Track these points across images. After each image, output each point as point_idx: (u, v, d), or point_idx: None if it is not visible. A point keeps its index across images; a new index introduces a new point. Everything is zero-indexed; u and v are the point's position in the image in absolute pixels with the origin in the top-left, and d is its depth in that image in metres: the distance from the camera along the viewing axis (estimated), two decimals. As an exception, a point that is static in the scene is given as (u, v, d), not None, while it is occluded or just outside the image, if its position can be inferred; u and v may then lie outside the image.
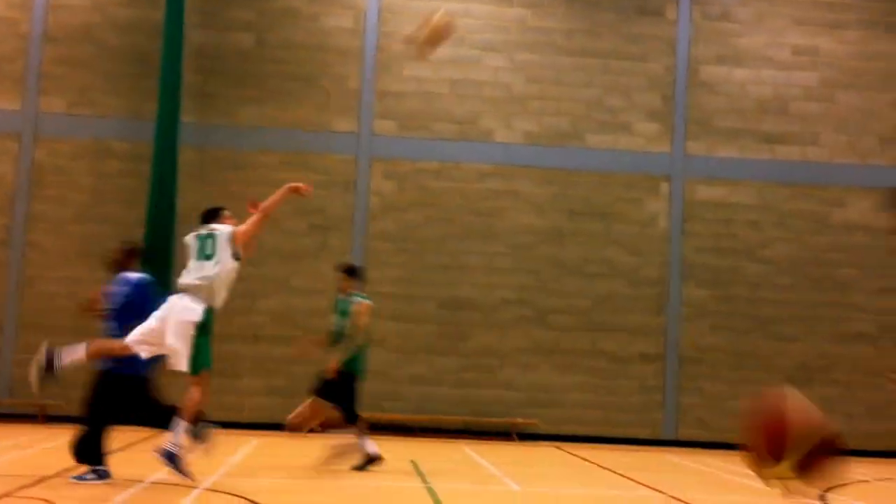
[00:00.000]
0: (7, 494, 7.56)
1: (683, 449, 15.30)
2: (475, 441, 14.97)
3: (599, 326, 15.97)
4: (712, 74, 16.54)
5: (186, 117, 15.42)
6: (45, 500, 7.34)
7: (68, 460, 8.85)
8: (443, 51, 16.08)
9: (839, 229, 16.40)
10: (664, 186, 16.31)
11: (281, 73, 16.00)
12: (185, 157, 15.40)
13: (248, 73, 15.95)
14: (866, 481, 11.72)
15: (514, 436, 15.49)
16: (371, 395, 15.40)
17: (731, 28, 16.63)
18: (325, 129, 15.97)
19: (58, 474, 8.89)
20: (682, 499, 9.28)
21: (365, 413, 15.56)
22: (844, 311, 16.31)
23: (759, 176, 16.44)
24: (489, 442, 15.04)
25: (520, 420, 15.55)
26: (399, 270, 15.81)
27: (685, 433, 15.83)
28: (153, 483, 8.56)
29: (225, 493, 8.02)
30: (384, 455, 10.40)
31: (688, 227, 16.27)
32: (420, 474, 10.34)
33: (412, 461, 11.61)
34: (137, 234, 15.04)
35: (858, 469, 13.29)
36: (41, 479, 8.48)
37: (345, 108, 16.03)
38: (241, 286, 15.12)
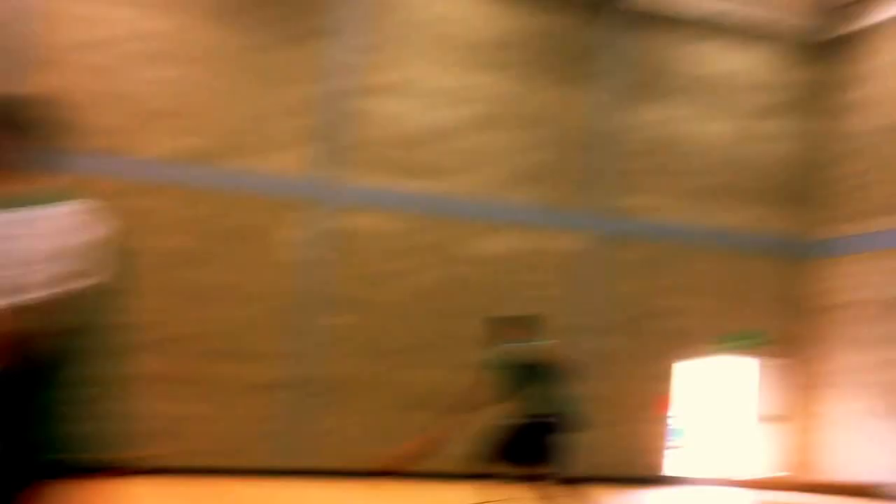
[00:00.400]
0: None
1: (302, 477, 15.38)
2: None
3: (231, 354, 15.71)
4: (363, 104, 16.61)
5: None
6: None
7: None
8: (86, 57, 14.92)
9: (470, 262, 17.26)
10: (305, 213, 16.26)
11: None
12: None
13: None
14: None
15: (138, 470, 14.87)
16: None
17: (378, 60, 16.72)
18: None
19: None
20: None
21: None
22: (468, 341, 17.26)
23: (394, 206, 16.82)
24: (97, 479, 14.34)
25: (143, 453, 14.93)
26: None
27: (321, 461, 15.89)
28: None
29: None
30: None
31: (327, 254, 16.38)
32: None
33: None
34: None
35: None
36: None
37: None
38: None
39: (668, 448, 18.74)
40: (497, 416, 8.22)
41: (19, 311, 3.27)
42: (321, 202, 16.32)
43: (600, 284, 18.28)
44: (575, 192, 18.10)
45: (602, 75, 18.29)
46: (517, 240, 17.65)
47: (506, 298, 17.31)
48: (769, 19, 19.56)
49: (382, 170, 16.73)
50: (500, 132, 17.54)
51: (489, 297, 17.26)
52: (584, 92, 18.15)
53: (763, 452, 19.86)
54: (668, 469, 18.63)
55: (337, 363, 16.29)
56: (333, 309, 16.32)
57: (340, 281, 16.38)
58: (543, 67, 17.84)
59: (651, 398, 18.54)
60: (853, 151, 19.65)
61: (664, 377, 18.73)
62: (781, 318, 19.82)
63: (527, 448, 8.08)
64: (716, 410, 19.89)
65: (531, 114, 17.76)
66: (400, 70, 16.86)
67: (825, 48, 20.08)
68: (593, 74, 18.23)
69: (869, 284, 19.11)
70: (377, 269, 16.65)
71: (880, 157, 19.10)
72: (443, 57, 17.13)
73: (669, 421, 18.79)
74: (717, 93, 19.29)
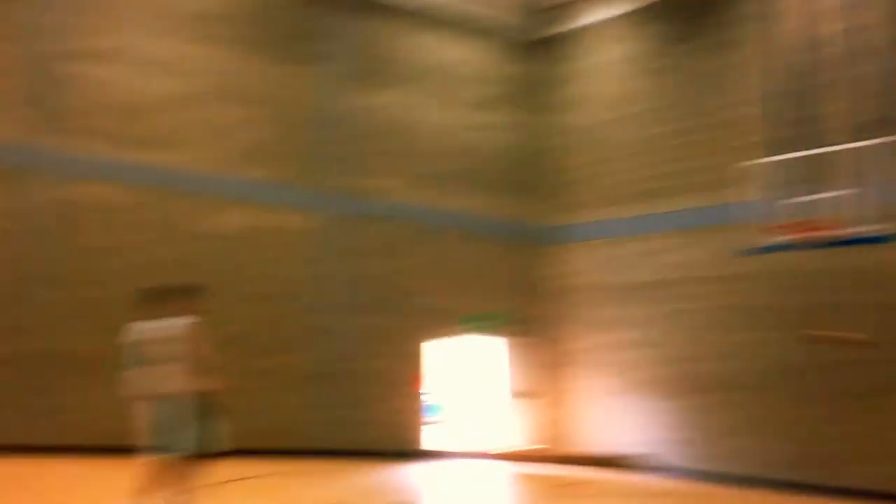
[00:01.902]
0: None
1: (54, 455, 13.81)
2: None
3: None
4: (72, 69, 15.65)
5: None
6: None
7: None
8: None
9: (200, 238, 16.52)
10: (18, 181, 15.09)
11: None
12: None
13: None
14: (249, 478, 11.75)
15: None
16: None
17: (87, 23, 15.87)
18: None
19: None
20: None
21: None
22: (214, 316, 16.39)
23: (118, 177, 15.85)
24: None
25: None
26: None
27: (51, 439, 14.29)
28: None
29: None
30: None
31: (44, 225, 15.21)
32: None
33: None
34: None
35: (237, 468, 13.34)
36: None
37: None
38: None
39: (425, 423, 18.59)
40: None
41: None
42: (38, 170, 15.20)
43: (338, 263, 18.07)
44: (305, 172, 17.97)
45: (326, 58, 18.45)
46: (249, 217, 17.21)
47: (237, 276, 16.73)
48: (485, 15, 20.60)
49: (103, 139, 15.84)
50: (226, 107, 17.15)
51: (220, 275, 16.55)
52: (309, 73, 18.20)
53: (517, 426, 20.09)
54: (426, 443, 18.43)
55: (68, 338, 14.93)
56: (53, 283, 15.05)
57: (60, 254, 15.18)
58: (268, 44, 17.77)
59: (405, 376, 18.34)
60: (574, 145, 20.83)
61: (416, 355, 18.61)
62: (521, 299, 20.37)
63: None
64: (470, 387, 20.07)
65: (257, 90, 17.55)
66: (112, 36, 16.12)
67: (539, 46, 21.35)
68: (318, 56, 18.36)
69: (599, 269, 20.05)
70: (100, 243, 15.57)
71: (600, 150, 20.32)
72: (160, 25, 16.65)
73: (424, 397, 18.67)
74: (441, 82, 19.95)
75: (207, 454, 7.56)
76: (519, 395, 20.22)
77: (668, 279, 18.76)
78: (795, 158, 15.31)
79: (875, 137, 14.38)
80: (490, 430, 19.96)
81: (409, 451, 18.00)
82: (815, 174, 14.93)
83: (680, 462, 18.01)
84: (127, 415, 8.18)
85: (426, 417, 18.80)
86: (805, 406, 16.41)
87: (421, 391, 18.64)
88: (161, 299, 8.04)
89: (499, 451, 19.10)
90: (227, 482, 11.26)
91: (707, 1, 18.69)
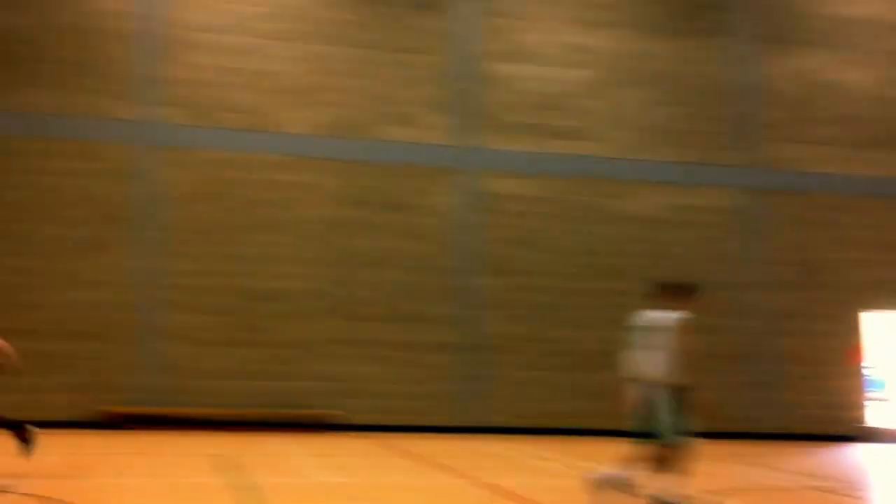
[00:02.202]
0: None
1: (491, 435, 15.52)
2: (282, 433, 14.80)
3: (399, 317, 16.08)
4: (496, 70, 17.00)
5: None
6: None
7: None
8: (229, 39, 15.95)
9: (616, 220, 17.19)
10: (453, 178, 16.63)
11: (53, 58, 15.22)
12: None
13: (21, 57, 15.09)
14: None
15: (322, 427, 15.43)
16: (173, 390, 15.10)
17: (511, 24, 17.20)
18: (105, 115, 15.31)
19: None
20: (485, 482, 9.55)
21: (165, 409, 15.18)
22: (624, 299, 17.10)
23: (543, 169, 17.01)
24: (296, 434, 14.90)
25: (326, 411, 15.50)
26: (196, 262, 15.39)
27: (490, 419, 16.06)
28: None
29: (39, 495, 7.66)
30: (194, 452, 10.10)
31: (478, 218, 16.65)
32: (224, 469, 10.16)
33: (216, 456, 11.40)
34: None
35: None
36: None
37: (127, 95, 15.43)
38: (26, 280, 14.54)
39: (867, 400, 17.72)
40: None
41: None
42: (465, 168, 16.69)
43: (758, 240, 17.81)
44: (719, 148, 17.84)
45: (729, 27, 18.09)
46: (663, 198, 17.49)
47: (655, 258, 17.15)
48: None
49: (521, 133, 16.97)
50: (632, 89, 17.56)
51: (641, 257, 17.12)
52: (711, 45, 17.99)
53: None
54: (870, 422, 17.59)
55: (495, 324, 16.39)
56: (487, 271, 16.51)
57: (490, 244, 16.58)
58: (666, 22, 17.89)
59: (840, 352, 17.72)
60: None
61: (851, 330, 17.89)
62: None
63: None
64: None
65: (661, 70, 17.75)
66: (525, 33, 17.20)
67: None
68: (720, 26, 18.07)
69: None
70: (525, 231, 16.77)
71: None
72: (567, 18, 17.40)
73: (866, 373, 17.82)
74: (857, 38, 18.69)
75: (676, 441, 7.92)
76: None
77: None
78: None
79: None
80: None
81: (848, 433, 17.38)
82: None
83: None
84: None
85: (868, 394, 17.92)
86: None
87: (861, 367, 17.81)
88: (668, 292, 8.58)
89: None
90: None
91: None
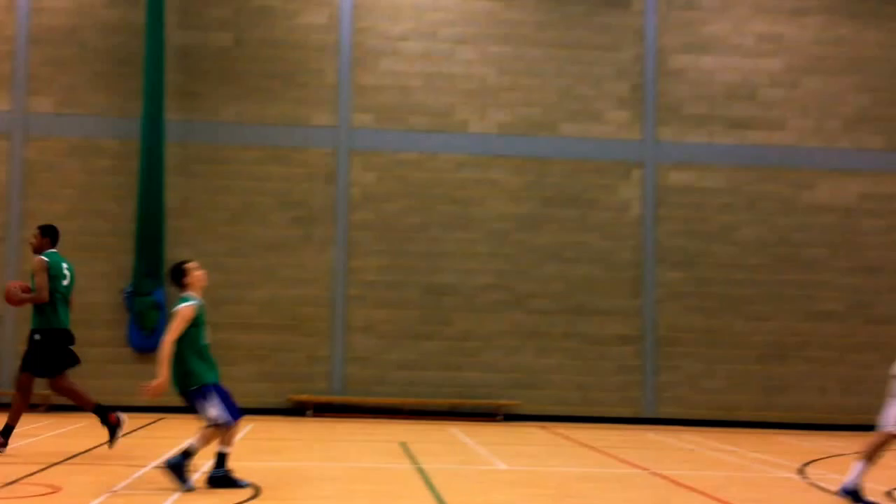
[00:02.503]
0: (15, 481, 7.96)
1: (663, 426, 15.82)
2: (461, 422, 15.46)
3: (576, 309, 16.45)
4: (679, 62, 17.03)
5: (171, 115, 15.85)
6: (52, 486, 7.76)
7: (74, 447, 9.20)
8: (415, 45, 16.68)
9: (806, 211, 16.95)
10: (636, 172, 16.80)
11: (260, 71, 16.40)
12: (171, 153, 15.84)
13: (228, 70, 16.33)
14: (841, 455, 12.27)
15: (500, 416, 15.99)
16: (360, 381, 16.03)
17: (697, 16, 17.12)
18: (304, 123, 16.39)
19: (64, 461, 9.30)
20: (664, 475, 9.78)
21: (354, 398, 16.18)
22: (813, 290, 16.87)
23: (727, 160, 16.95)
24: (474, 423, 15.52)
25: (504, 401, 16.05)
26: (382, 259, 16.28)
27: (664, 411, 16.31)
28: (155, 467, 8.98)
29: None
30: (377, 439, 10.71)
31: (660, 211, 16.76)
32: (409, 455, 10.79)
33: (401, 443, 12.07)
34: (129, 228, 15.56)
35: (833, 442, 13.91)
36: (48, 466, 8.89)
37: (323, 102, 16.44)
38: (230, 277, 15.77)
39: None
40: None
41: None
42: (648, 162, 16.79)
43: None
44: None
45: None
46: (852, 186, 17.02)
47: (843, 248, 16.79)
48: None
49: (706, 125, 16.94)
50: (824, 77, 17.14)
51: (830, 247, 16.79)
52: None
53: None
54: None
55: (674, 317, 16.49)
56: (667, 264, 16.61)
57: (671, 237, 16.67)
58: (866, 5, 17.28)
59: None
60: None
61: None
62: None
63: None
64: None
65: (857, 56, 17.18)
66: (713, 24, 17.10)
67: None
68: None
69: None
70: (708, 224, 16.76)
71: None
72: (758, 5, 17.15)
73: None
74: None
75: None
76: None
77: None
78: None
79: None
80: None
81: None
82: None
83: None
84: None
85: None
86: None
87: None
88: None
89: None
90: (832, 456, 11.84)
91: None
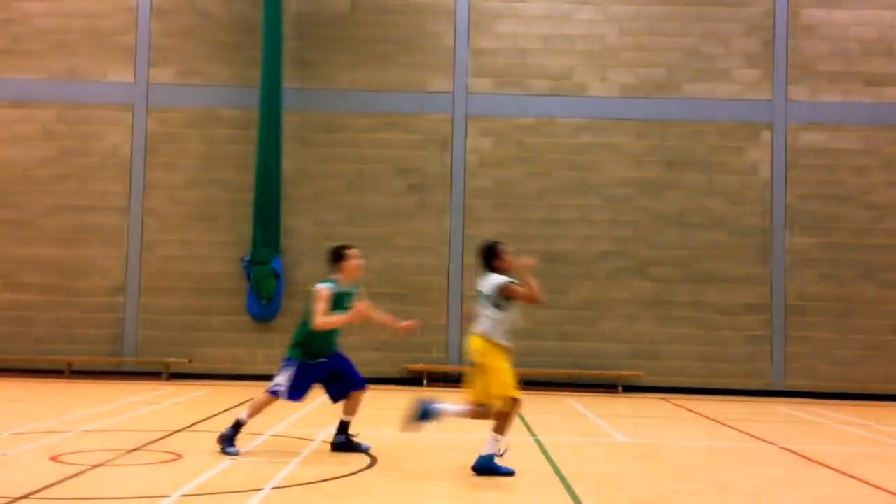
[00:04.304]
0: (138, 448, 8.11)
1: (791, 399, 15.20)
2: (580, 393, 15.17)
3: (701, 277, 15.91)
4: (812, 17, 16.18)
5: (288, 83, 15.89)
6: (174, 453, 7.87)
7: (194, 416, 9.33)
8: (534, 6, 16.28)
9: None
10: (765, 134, 16.08)
11: (376, 37, 16.29)
12: (288, 121, 15.91)
13: (344, 37, 16.27)
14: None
15: (619, 388, 15.62)
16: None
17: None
18: (420, 89, 16.22)
19: (185, 428, 9.44)
20: (792, 449, 9.35)
21: (465, 367, 16.02)
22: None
23: (863, 120, 16.06)
24: (594, 394, 15.20)
25: (624, 372, 15.66)
26: (498, 226, 16.00)
27: (792, 383, 15.66)
28: (274, 435, 9.03)
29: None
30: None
31: (790, 174, 16.02)
32: (527, 427, 10.60)
33: (518, 415, 11.87)
34: (248, 197, 15.72)
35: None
36: (170, 434, 9.03)
37: (440, 67, 16.24)
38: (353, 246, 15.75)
39: None
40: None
41: None
42: (776, 122, 16.05)
43: None
44: None
45: None
46: None
47: None
48: None
49: (840, 82, 16.06)
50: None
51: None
52: None
53: None
54: None
55: (803, 284, 15.78)
56: (797, 229, 15.87)
57: (802, 201, 15.92)
58: None
59: None
60: None
61: None
62: None
63: None
64: None
65: None
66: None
67: None
68: None
69: None
70: (841, 186, 15.93)
71: None
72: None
73: None
74: None
75: None
76: None
77: None
78: None
79: None
80: None
81: None
82: None
83: None
84: None
85: None
86: None
87: None
88: None
89: None
90: None
91: None
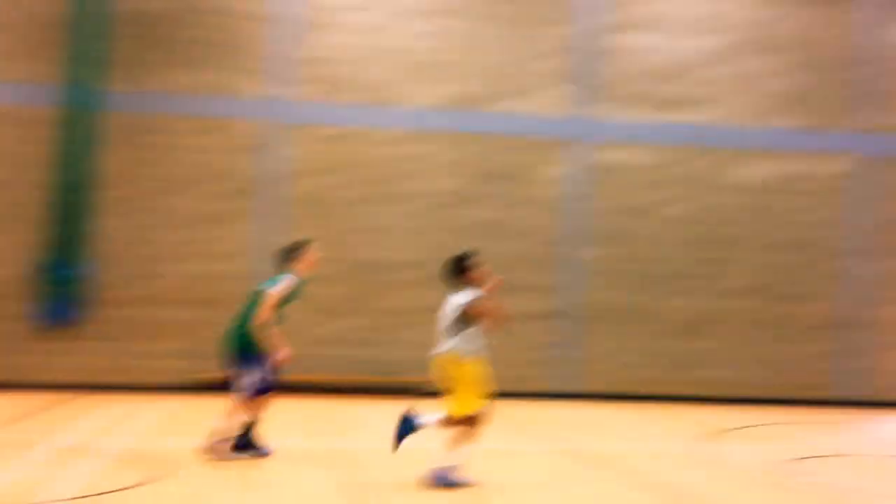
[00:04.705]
0: None
1: (584, 401, 16.24)
2: (375, 399, 15.62)
3: (508, 287, 16.52)
4: (616, 41, 17.19)
5: (101, 83, 15.71)
6: None
7: None
8: (355, 17, 16.67)
9: (731, 189, 17.30)
10: (568, 149, 17.01)
11: (197, 39, 16.25)
12: (99, 122, 15.74)
13: (161, 39, 16.18)
14: (755, 426, 12.74)
15: (415, 393, 16.17)
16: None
17: (628, -3, 17.27)
18: (239, 94, 16.33)
19: None
20: (566, 449, 10.07)
21: (284, 375, 16.24)
22: (735, 267, 17.32)
23: (659, 139, 17.22)
24: (391, 399, 15.71)
25: (420, 377, 16.12)
26: (312, 234, 16.28)
27: (587, 386, 16.75)
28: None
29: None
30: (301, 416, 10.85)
31: (591, 189, 17.03)
32: (319, 433, 10.94)
33: (329, 420, 12.21)
34: (48, 199, 15.41)
35: (747, 415, 14.43)
36: None
37: (259, 73, 16.38)
38: (157, 250, 15.79)
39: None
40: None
41: None
42: (579, 139, 17.05)
43: (863, 207, 17.60)
44: (836, 114, 17.59)
45: (861, -9, 17.73)
46: (777, 166, 17.45)
47: (762, 225, 17.24)
48: None
49: (637, 104, 17.20)
50: (756, 57, 17.46)
51: (745, 225, 17.21)
52: (841, 11, 17.66)
53: None
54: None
55: (600, 293, 16.84)
56: (594, 242, 16.93)
57: (600, 214, 16.98)
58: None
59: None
60: None
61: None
62: None
63: None
64: None
65: (785, 37, 17.52)
66: (653, 3, 17.30)
67: None
68: (851, -9, 17.72)
69: None
70: (635, 201, 17.07)
71: None
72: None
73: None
74: None
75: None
76: None
77: None
78: None
79: None
80: None
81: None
82: None
83: None
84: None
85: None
86: None
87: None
88: None
89: None
90: (731, 429, 12.29)
91: None
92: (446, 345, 8.00)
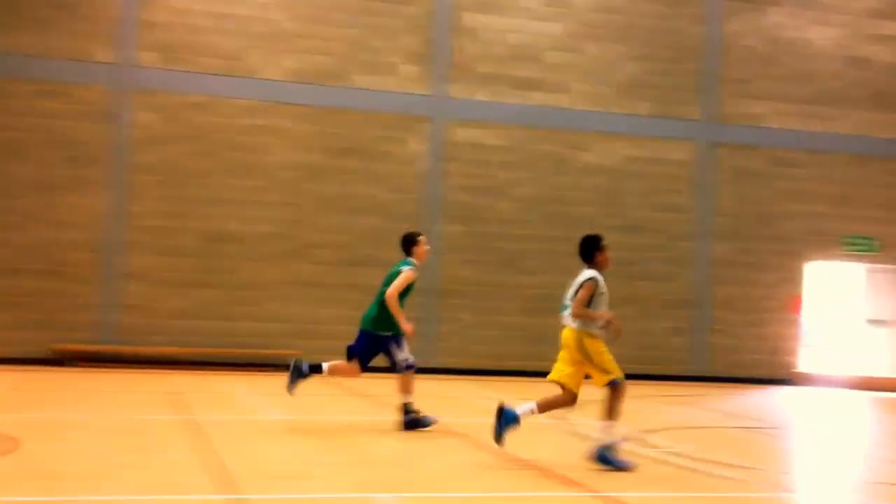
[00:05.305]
0: None
1: (442, 376, 16.33)
2: (237, 372, 15.35)
3: (359, 261, 16.59)
4: (473, 21, 17.34)
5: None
6: None
7: None
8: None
9: (579, 171, 17.76)
10: (424, 127, 17.06)
11: (38, 0, 15.44)
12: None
13: (1, -1, 15.30)
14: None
15: (278, 366, 15.95)
16: (133, 330, 15.57)
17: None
18: (84, 58, 15.61)
19: None
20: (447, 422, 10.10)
21: (127, 348, 15.65)
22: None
23: (511, 119, 17.48)
24: (251, 373, 15.45)
25: (282, 350, 16.01)
26: (162, 203, 15.83)
27: (443, 361, 16.86)
28: None
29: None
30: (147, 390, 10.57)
31: (445, 166, 17.14)
32: (180, 406, 10.66)
33: (171, 393, 11.89)
34: None
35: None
36: None
37: (105, 37, 15.72)
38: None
39: (801, 348, 18.67)
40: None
41: None
42: (433, 117, 17.09)
43: (712, 191, 18.40)
44: (680, 102, 18.34)
45: (707, -17, 18.48)
46: (622, 150, 18.03)
47: (613, 208, 17.76)
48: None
49: (491, 84, 17.38)
50: (606, 44, 17.94)
51: (597, 207, 17.69)
52: (689, 2, 18.35)
53: (874, 354, 19.48)
54: (800, 368, 18.54)
55: (453, 269, 16.97)
56: (448, 219, 17.03)
57: (454, 192, 17.09)
58: (645, -23, 18.21)
59: (782, 300, 18.49)
60: None
61: (794, 279, 18.64)
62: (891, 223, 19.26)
63: None
64: (830, 312, 19.98)
65: (637, 25, 18.10)
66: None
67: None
68: (698, -18, 18.45)
69: None
70: (489, 180, 17.27)
71: None
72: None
73: (802, 322, 18.71)
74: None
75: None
76: (875, 322, 19.52)
77: None
78: None
79: None
80: (849, 356, 19.65)
81: (783, 377, 18.32)
82: None
83: None
84: None
85: (803, 342, 18.84)
86: None
87: (799, 315, 18.62)
88: None
89: (859, 378, 18.70)
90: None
91: None
92: (569, 320, 8.16)
